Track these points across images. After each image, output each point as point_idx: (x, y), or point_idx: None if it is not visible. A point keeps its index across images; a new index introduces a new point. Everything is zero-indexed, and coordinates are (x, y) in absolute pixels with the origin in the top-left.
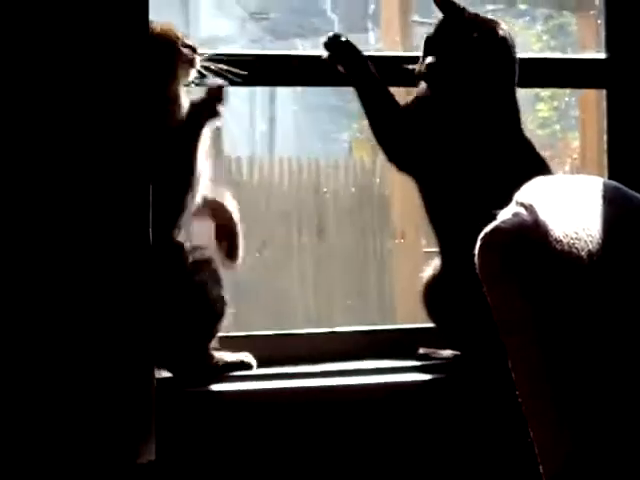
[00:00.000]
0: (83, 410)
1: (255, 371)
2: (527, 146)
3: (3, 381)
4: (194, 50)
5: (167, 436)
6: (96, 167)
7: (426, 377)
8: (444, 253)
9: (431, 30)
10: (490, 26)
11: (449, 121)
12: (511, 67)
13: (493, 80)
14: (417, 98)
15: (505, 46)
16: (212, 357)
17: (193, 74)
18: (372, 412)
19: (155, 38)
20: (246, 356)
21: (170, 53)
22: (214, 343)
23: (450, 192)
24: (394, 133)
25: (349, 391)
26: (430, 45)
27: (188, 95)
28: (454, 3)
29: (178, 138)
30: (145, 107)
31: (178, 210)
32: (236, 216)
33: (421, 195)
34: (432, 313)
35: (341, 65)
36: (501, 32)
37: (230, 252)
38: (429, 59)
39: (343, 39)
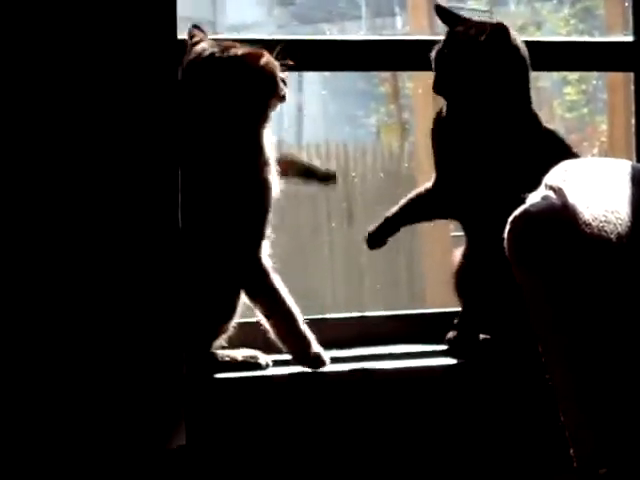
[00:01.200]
0: (115, 397)
1: (283, 356)
2: (550, 135)
3: (40, 366)
4: (285, 82)
5: (197, 422)
6: (128, 167)
7: (454, 361)
8: (471, 239)
9: (439, 45)
10: (496, 32)
11: (470, 128)
12: (522, 68)
13: (506, 83)
14: (432, 133)
15: (514, 49)
16: (215, 355)
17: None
18: (402, 396)
19: (256, 71)
20: (255, 354)
21: (269, 92)
22: (223, 341)
23: (478, 190)
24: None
25: (379, 375)
26: (440, 59)
27: None
28: (457, 15)
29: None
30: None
31: (261, 233)
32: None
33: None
34: (462, 297)
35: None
36: (507, 36)
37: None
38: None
39: (372, 232)
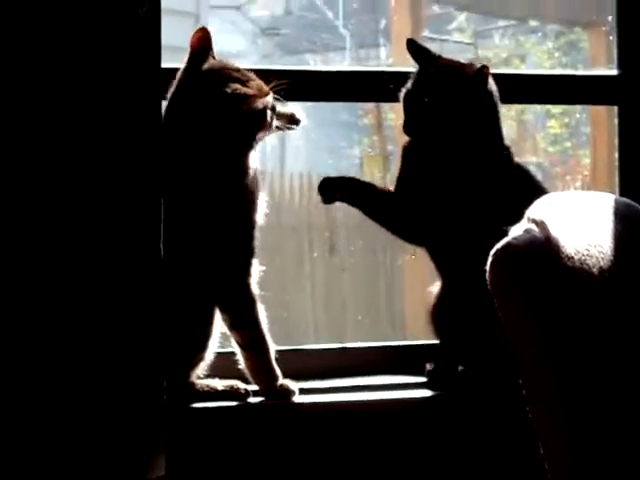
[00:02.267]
0: (94, 426)
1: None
2: (521, 172)
3: (14, 395)
4: (274, 110)
5: (176, 452)
6: (109, 182)
7: (430, 393)
8: (444, 275)
9: (409, 85)
10: (466, 71)
11: (437, 167)
12: (495, 111)
13: (475, 123)
14: (403, 149)
15: (489, 94)
16: (193, 384)
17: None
18: (381, 427)
19: (248, 100)
20: (236, 384)
21: (258, 125)
22: (203, 370)
23: (450, 228)
24: (395, 213)
25: (358, 407)
26: (410, 99)
27: None
28: (428, 51)
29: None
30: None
31: (250, 255)
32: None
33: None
34: (438, 330)
35: (338, 199)
36: (486, 82)
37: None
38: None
39: (331, 178)
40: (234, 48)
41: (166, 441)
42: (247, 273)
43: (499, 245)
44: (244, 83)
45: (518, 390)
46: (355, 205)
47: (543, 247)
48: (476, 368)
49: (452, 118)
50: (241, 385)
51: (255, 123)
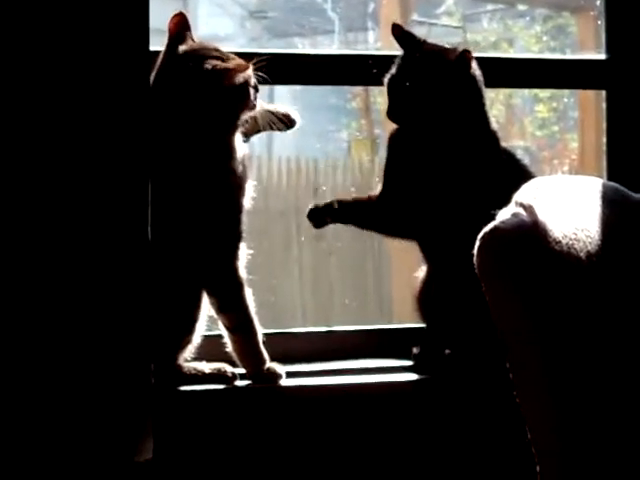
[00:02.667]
0: (81, 410)
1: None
2: (508, 156)
3: (2, 381)
4: (257, 89)
5: (164, 435)
6: (97, 171)
7: (417, 377)
8: (430, 259)
9: (393, 70)
10: (449, 55)
11: (423, 155)
12: (479, 95)
13: (459, 107)
14: (389, 140)
15: (472, 79)
16: (181, 367)
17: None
18: (367, 411)
19: (231, 87)
20: (223, 367)
21: (241, 103)
22: (190, 353)
23: (433, 210)
24: (386, 213)
25: (345, 390)
26: (394, 84)
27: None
28: (413, 36)
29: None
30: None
31: (238, 239)
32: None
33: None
34: (424, 314)
35: (330, 222)
36: (469, 66)
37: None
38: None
39: (319, 206)
40: (222, 31)
41: (154, 424)
42: (235, 257)
43: (487, 229)
44: (223, 60)
45: (505, 374)
46: (347, 223)
47: (531, 231)
48: (463, 352)
49: (435, 103)
50: (228, 368)
51: (237, 99)
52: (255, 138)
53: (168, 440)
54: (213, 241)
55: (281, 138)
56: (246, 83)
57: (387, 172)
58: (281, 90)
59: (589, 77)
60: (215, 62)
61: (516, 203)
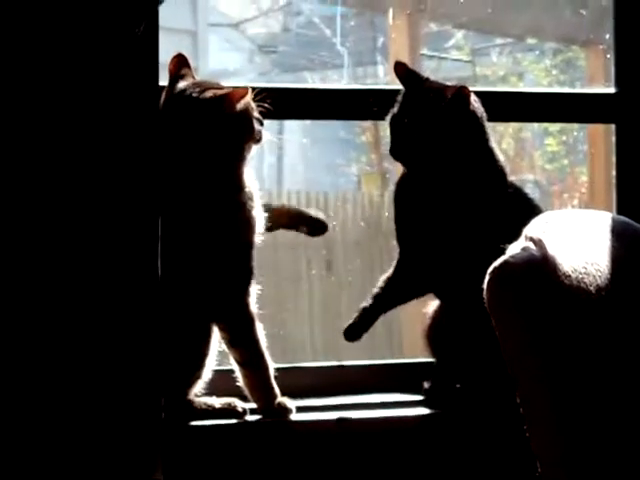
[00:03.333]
0: (91, 444)
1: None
2: (516, 192)
3: (13, 408)
4: (261, 123)
5: (173, 470)
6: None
7: (427, 411)
8: (442, 299)
9: (395, 108)
10: (457, 97)
11: (432, 193)
12: (481, 131)
13: (459, 144)
14: (399, 180)
15: (472, 115)
16: (191, 402)
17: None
18: (378, 445)
19: (231, 114)
20: (233, 402)
21: (245, 133)
22: (200, 388)
23: (446, 254)
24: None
25: (354, 424)
26: (395, 122)
27: None
28: (416, 74)
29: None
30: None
31: (249, 274)
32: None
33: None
34: (434, 349)
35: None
36: (467, 102)
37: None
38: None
39: (351, 327)
40: (231, 66)
41: (164, 459)
42: (246, 292)
43: (496, 263)
44: (220, 89)
45: (515, 408)
46: (380, 316)
47: (540, 265)
48: (474, 386)
49: (434, 140)
50: (239, 403)
51: (240, 127)
52: (265, 171)
53: (178, 475)
54: (223, 276)
55: (291, 172)
56: (247, 111)
57: (400, 232)
58: (291, 124)
59: (599, 111)
60: (213, 91)
61: (526, 237)
